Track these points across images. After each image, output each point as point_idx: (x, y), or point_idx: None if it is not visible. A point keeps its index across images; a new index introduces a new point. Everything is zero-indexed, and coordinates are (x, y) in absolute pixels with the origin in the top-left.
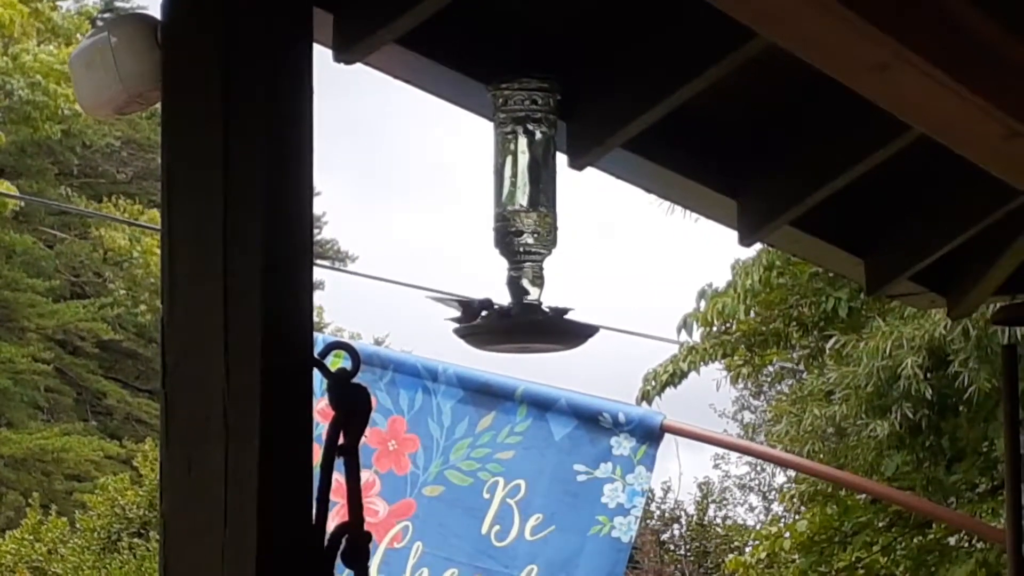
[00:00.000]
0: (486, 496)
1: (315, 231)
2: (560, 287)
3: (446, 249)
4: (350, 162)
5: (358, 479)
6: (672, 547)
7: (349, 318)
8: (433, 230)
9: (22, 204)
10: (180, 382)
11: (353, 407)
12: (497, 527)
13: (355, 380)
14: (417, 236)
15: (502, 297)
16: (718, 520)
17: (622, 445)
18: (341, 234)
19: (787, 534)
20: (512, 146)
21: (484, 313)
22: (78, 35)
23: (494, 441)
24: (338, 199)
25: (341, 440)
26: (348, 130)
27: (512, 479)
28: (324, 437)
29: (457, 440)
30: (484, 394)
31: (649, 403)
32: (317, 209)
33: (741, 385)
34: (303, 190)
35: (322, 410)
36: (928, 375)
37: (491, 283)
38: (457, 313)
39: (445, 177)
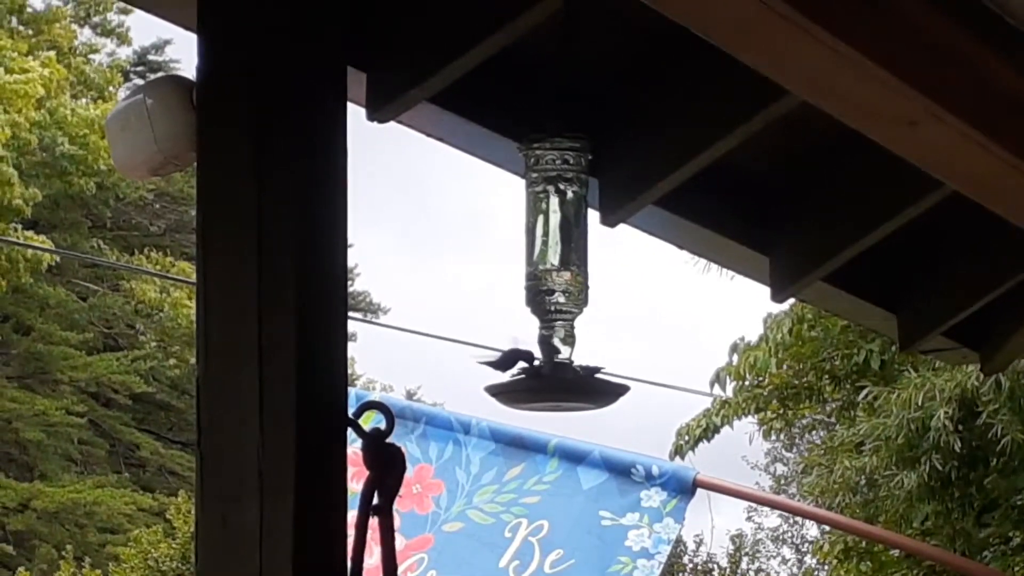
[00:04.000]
0: (507, 535)
1: (348, 283)
2: (594, 343)
3: (490, 300)
4: (394, 213)
5: (392, 538)
6: None
7: (382, 369)
8: (477, 282)
9: (57, 257)
10: (215, 440)
11: (388, 467)
12: (516, 562)
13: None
14: (460, 287)
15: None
16: (751, 573)
17: (652, 498)
18: (381, 284)
19: None
20: (544, 205)
21: (522, 365)
22: (110, 88)
23: (521, 488)
24: (379, 249)
25: (375, 500)
26: (393, 181)
27: (535, 520)
28: (359, 493)
29: (483, 485)
30: (516, 447)
31: (682, 457)
32: (350, 261)
33: (774, 437)
34: (337, 249)
35: (351, 458)
36: (959, 427)
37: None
38: (493, 358)
39: (491, 228)
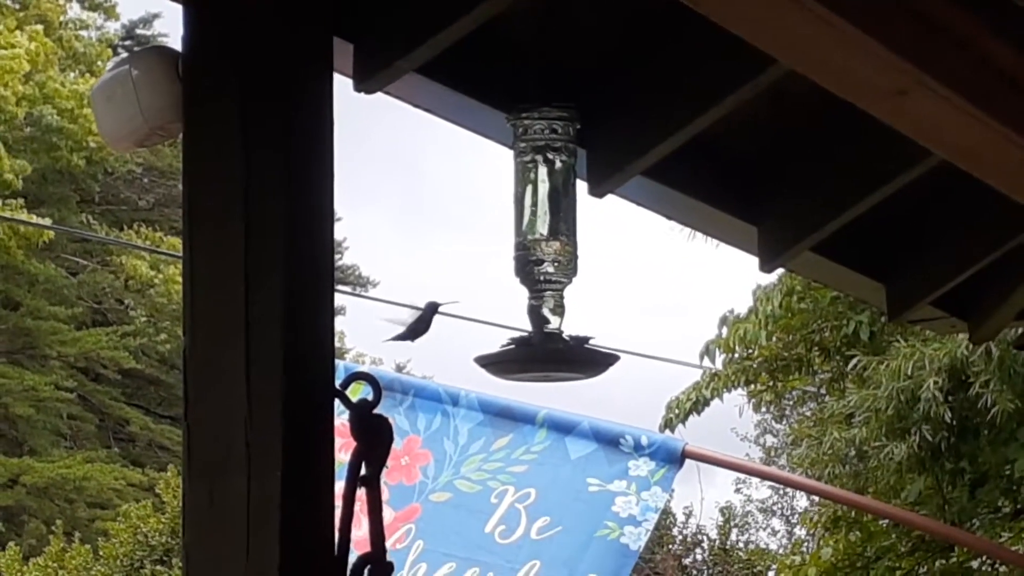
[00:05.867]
0: (494, 501)
1: (336, 257)
2: (583, 315)
3: (482, 275)
4: (389, 190)
5: (380, 509)
6: (695, 572)
7: (371, 343)
8: (470, 257)
9: (47, 232)
10: (202, 413)
11: (375, 438)
12: (502, 527)
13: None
14: (452, 263)
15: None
16: (740, 544)
17: (640, 467)
18: (372, 259)
19: (811, 564)
20: (532, 175)
21: (511, 346)
22: (99, 62)
23: (508, 457)
24: (371, 224)
25: (363, 471)
26: (389, 158)
27: (522, 488)
28: (346, 464)
29: (471, 455)
30: (505, 418)
31: (672, 431)
32: (339, 235)
33: (764, 409)
34: (324, 220)
35: (339, 429)
36: (949, 398)
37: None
38: (400, 329)
39: (486, 206)
